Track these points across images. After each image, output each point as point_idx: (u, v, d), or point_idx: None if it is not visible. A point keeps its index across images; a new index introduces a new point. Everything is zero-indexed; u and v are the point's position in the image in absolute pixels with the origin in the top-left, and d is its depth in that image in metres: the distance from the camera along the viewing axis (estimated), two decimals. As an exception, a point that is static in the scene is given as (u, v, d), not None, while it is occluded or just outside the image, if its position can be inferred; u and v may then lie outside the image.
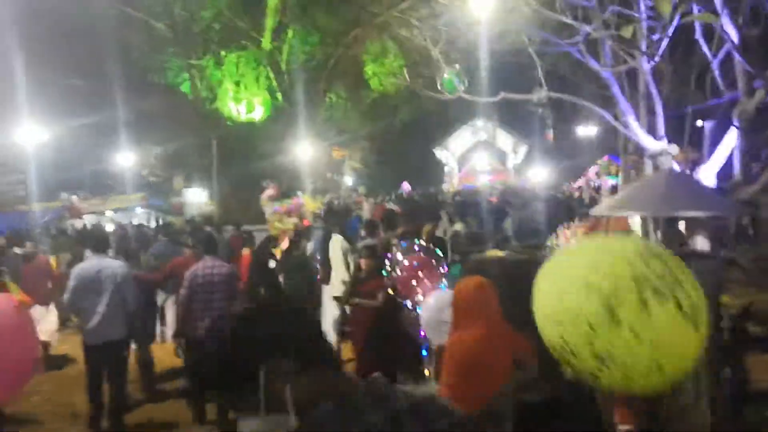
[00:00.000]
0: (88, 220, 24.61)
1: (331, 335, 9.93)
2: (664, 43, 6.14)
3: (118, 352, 6.42)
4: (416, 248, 4.53)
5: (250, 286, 9.22)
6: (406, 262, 4.41)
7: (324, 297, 9.97)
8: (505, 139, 32.57)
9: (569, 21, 7.01)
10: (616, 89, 6.00)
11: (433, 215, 9.47)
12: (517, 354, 3.52)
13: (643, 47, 6.24)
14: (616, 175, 29.71)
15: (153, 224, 23.59)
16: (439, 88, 7.69)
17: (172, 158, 22.25)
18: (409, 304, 4.64)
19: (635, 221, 8.80)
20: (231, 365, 1.44)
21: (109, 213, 26.71)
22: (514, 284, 4.14)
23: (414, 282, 4.30)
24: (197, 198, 25.62)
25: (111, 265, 6.50)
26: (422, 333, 4.19)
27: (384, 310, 6.59)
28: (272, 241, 10.31)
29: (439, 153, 34.66)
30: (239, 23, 16.82)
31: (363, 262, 6.59)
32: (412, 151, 34.41)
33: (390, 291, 6.85)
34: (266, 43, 17.34)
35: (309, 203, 12.91)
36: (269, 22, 17.28)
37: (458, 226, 8.34)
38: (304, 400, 1.37)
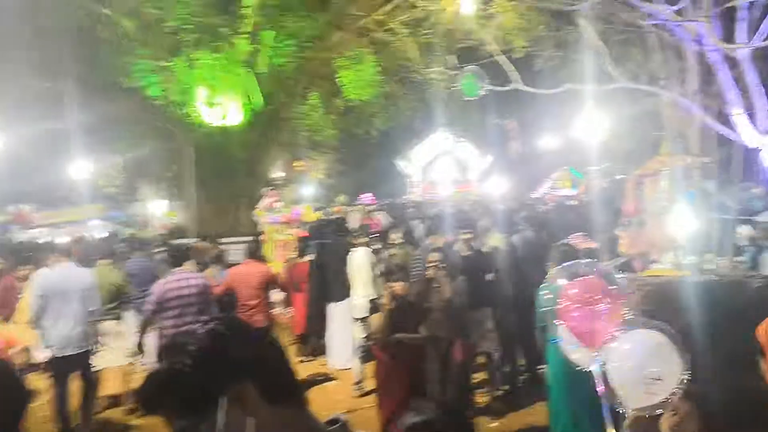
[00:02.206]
0: (40, 232, 22.84)
1: (342, 358, 8.72)
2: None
3: (85, 362, 6.25)
4: (585, 268, 3.26)
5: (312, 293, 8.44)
6: (572, 290, 3.16)
7: (333, 315, 8.77)
8: (468, 150, 31.87)
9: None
10: (726, 74, 5.06)
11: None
12: None
13: (743, 28, 5.37)
14: (573, 186, 29.49)
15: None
16: (458, 89, 6.68)
17: (136, 167, 20.57)
18: (576, 351, 3.35)
19: (683, 231, 7.89)
20: (191, 386, 1.20)
21: (63, 226, 24.82)
22: (736, 315, 3.09)
23: (586, 318, 3.05)
24: (161, 209, 24.00)
25: (79, 273, 6.35)
26: (602, 388, 2.99)
27: (433, 345, 5.38)
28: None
29: (402, 164, 33.69)
30: (214, 23, 15.37)
31: (399, 288, 5.36)
32: (372, 161, 33.43)
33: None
34: (242, 45, 15.94)
35: (308, 213, 11.67)
36: (246, 23, 15.89)
37: (496, 240, 7.25)
38: None
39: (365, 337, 7.62)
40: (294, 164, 26.58)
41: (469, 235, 6.69)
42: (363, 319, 7.52)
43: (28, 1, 14.55)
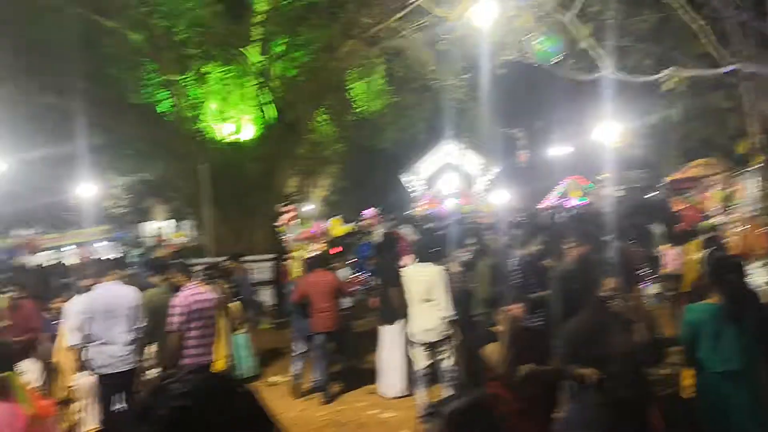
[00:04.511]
0: (46, 256, 22.03)
1: (395, 387, 7.80)
2: None
3: (130, 382, 6.10)
4: None
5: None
6: None
7: (385, 338, 7.88)
8: (474, 162, 31.07)
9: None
10: None
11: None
12: None
13: None
14: (584, 197, 28.78)
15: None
16: (528, 55, 5.86)
17: (144, 187, 19.62)
18: None
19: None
20: None
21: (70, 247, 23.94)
22: None
23: None
24: (170, 229, 23.12)
25: (124, 291, 6.26)
26: None
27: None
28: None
29: (407, 178, 32.85)
30: (223, 33, 14.52)
31: (518, 311, 4.39)
32: (375, 175, 32.58)
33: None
34: (254, 56, 15.07)
35: (336, 228, 10.75)
36: (257, 33, 15.02)
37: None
38: None
39: (429, 364, 6.68)
40: (297, 181, 25.72)
41: (574, 245, 5.68)
42: (433, 344, 6.57)
43: (31, 16, 13.61)
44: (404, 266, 7.28)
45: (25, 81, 13.84)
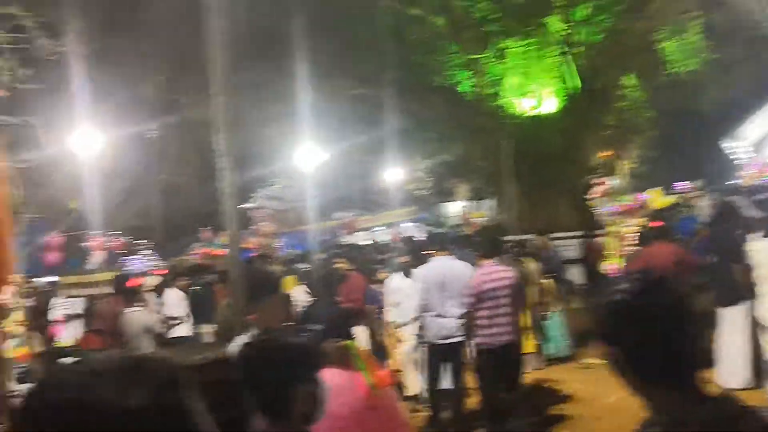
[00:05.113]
0: (361, 236, 24.20)
1: (735, 376, 6.97)
2: None
3: (459, 351, 6.50)
4: None
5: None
6: None
7: (724, 322, 7.10)
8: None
9: None
10: None
11: None
12: None
13: None
14: None
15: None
16: None
17: (447, 168, 20.56)
18: None
19: None
20: None
21: (379, 228, 26.13)
22: None
23: None
24: (470, 208, 23.89)
25: (460, 266, 6.64)
26: None
27: None
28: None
29: (729, 144, 29.29)
30: (523, 5, 14.40)
31: None
32: (691, 142, 29.63)
33: None
34: (555, 25, 14.67)
35: (657, 200, 9.99)
36: (558, 1, 14.59)
37: None
38: None
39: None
40: (601, 153, 24.55)
41: None
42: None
43: (346, 17, 15.02)
44: (749, 241, 6.42)
45: (342, 77, 15.41)
